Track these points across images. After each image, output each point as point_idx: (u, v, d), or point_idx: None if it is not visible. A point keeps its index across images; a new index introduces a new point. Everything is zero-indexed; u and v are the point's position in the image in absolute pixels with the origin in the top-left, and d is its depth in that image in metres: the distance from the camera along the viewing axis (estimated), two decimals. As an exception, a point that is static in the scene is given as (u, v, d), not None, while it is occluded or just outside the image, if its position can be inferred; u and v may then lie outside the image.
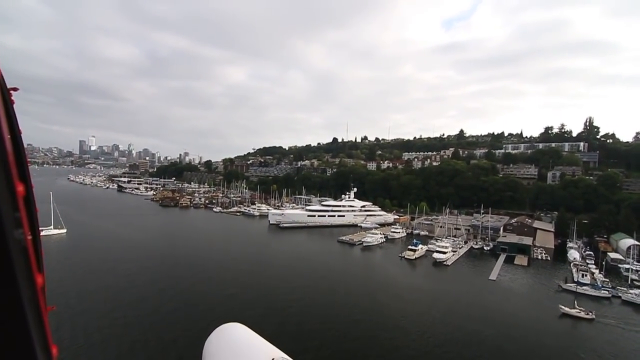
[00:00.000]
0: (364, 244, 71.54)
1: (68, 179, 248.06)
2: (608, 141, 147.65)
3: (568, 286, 47.91)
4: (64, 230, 68.30)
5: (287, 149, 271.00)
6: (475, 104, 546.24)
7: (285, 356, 2.84)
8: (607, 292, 47.14)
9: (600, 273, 54.64)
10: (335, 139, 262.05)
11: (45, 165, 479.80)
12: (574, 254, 66.12)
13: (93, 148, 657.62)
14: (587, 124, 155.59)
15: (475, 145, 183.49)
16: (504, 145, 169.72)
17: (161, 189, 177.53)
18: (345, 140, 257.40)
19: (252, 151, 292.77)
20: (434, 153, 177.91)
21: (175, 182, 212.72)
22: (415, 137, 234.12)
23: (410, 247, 64.88)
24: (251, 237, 77.06)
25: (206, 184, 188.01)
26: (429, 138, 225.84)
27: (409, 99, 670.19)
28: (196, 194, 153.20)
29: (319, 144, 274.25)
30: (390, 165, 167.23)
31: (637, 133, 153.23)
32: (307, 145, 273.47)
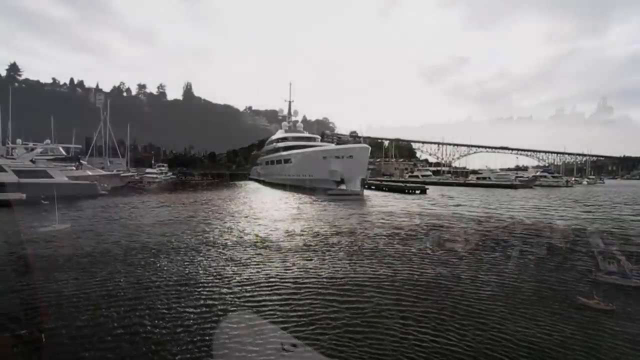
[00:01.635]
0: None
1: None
2: None
3: (597, 275, 43.87)
4: (68, 225, 66.88)
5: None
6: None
7: (295, 341, 3.00)
8: (638, 280, 42.98)
9: (627, 260, 50.37)
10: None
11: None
12: (595, 240, 61.70)
13: (98, 143, 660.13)
14: None
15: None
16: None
17: (162, 179, 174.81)
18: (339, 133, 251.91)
19: (255, 143, 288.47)
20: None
21: (178, 173, 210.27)
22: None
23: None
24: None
25: (209, 176, 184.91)
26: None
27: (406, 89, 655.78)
28: (199, 186, 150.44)
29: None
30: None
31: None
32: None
